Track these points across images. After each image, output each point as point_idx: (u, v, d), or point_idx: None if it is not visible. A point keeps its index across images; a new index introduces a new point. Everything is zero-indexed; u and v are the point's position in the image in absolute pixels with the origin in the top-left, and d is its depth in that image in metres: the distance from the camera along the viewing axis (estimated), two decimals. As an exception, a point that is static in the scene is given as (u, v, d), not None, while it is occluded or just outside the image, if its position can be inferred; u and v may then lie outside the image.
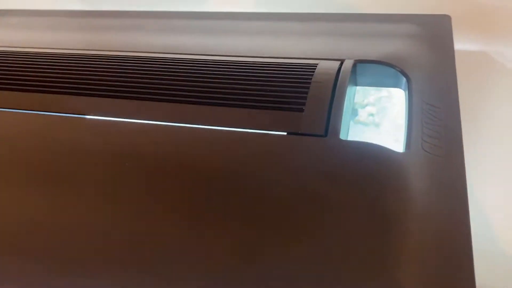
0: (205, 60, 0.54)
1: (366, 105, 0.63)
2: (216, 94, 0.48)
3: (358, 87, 0.57)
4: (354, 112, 0.61)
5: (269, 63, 0.52)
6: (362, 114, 0.62)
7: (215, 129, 0.45)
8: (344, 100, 0.45)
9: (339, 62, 0.52)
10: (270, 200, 0.40)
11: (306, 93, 0.47)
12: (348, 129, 0.51)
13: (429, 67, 0.54)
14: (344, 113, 0.45)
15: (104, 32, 0.73)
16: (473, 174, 0.71)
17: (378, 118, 0.62)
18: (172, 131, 0.46)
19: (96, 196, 0.41)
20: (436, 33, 0.61)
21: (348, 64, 0.51)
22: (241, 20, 0.68)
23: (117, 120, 0.48)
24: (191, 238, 0.37)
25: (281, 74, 0.50)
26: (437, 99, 0.50)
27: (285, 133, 0.45)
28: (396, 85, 0.54)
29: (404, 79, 0.52)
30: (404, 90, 0.53)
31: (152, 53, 0.59)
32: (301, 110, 0.45)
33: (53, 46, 0.65)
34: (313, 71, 0.49)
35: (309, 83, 0.48)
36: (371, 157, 0.41)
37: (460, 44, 0.73)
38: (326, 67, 0.50)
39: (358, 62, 0.53)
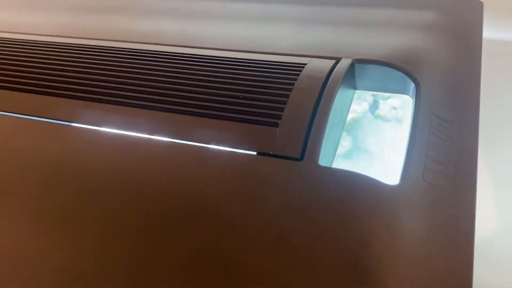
0: (172, 54, 0.46)
1: (389, 96, 0.54)
2: (176, 99, 0.40)
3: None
4: (375, 104, 0.52)
5: (251, 61, 0.44)
6: (383, 107, 0.53)
7: (167, 142, 0.38)
8: (328, 115, 0.37)
9: (333, 62, 0.43)
10: (225, 238, 0.32)
11: (285, 102, 0.38)
12: (338, 144, 0.42)
13: (446, 69, 0.44)
14: (328, 131, 0.37)
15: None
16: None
17: (401, 112, 0.52)
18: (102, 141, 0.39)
19: None
20: (462, 24, 0.50)
21: (343, 64, 0.42)
22: (227, 1, 0.59)
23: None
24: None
25: (262, 76, 0.41)
26: (452, 111, 0.41)
27: (255, 153, 0.37)
28: (402, 91, 0.45)
29: (412, 85, 0.42)
30: (412, 97, 0.43)
31: (114, 41, 0.51)
32: (276, 125, 0.37)
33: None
34: (299, 73, 0.41)
35: (291, 89, 0.39)
36: (352, 191, 0.33)
37: (491, 32, 0.61)
38: (316, 68, 0.42)
39: (356, 62, 0.43)
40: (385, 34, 0.48)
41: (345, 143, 0.48)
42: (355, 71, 0.44)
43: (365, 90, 0.46)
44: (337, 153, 0.43)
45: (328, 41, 0.48)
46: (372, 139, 0.51)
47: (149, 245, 0.33)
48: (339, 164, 0.44)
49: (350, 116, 0.49)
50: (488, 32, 0.64)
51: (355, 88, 0.46)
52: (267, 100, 0.39)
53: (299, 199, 0.33)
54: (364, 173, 0.34)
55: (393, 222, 0.32)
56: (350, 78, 0.44)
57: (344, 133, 0.49)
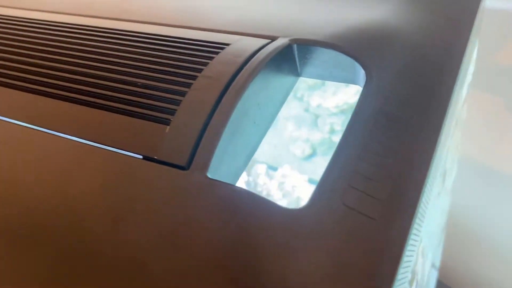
0: (68, 26, 0.40)
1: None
2: (55, 80, 0.34)
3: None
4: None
5: (162, 38, 0.36)
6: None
7: (35, 130, 0.32)
8: (230, 113, 0.29)
9: (266, 42, 0.34)
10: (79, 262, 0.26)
11: (184, 94, 0.31)
12: (256, 146, 0.34)
13: (413, 56, 0.34)
14: (231, 133, 0.29)
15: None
16: None
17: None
18: None
19: None
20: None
21: (274, 46, 0.33)
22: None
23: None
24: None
25: (171, 58, 0.34)
26: (408, 108, 0.31)
27: (141, 157, 0.30)
28: (353, 80, 0.35)
29: (362, 72, 0.33)
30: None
31: None
32: (167, 122, 0.30)
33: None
34: (214, 56, 0.33)
35: (196, 77, 0.31)
36: (236, 212, 0.26)
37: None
38: (238, 49, 0.33)
39: (295, 43, 0.35)
40: (336, 9, 0.38)
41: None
42: (295, 54, 0.35)
43: (311, 77, 0.37)
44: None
45: (267, 16, 0.39)
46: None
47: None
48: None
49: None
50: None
51: (298, 75, 0.37)
52: (166, 90, 0.31)
53: (174, 216, 0.26)
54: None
55: (282, 253, 0.24)
56: (287, 62, 0.35)
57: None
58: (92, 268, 0.26)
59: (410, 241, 0.27)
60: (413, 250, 0.30)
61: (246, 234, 0.25)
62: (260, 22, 0.38)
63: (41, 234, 0.28)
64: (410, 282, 0.40)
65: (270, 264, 0.24)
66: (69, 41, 0.37)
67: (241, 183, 0.65)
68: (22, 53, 0.37)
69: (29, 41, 0.38)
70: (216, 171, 0.29)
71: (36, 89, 0.34)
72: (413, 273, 0.41)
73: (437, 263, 0.85)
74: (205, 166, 0.28)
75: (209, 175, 0.28)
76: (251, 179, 0.66)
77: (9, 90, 0.34)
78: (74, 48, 0.36)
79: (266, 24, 0.37)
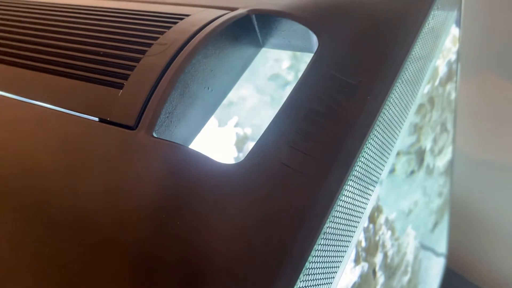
0: (31, 3, 0.42)
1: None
2: (28, 52, 0.36)
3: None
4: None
5: (124, 12, 0.38)
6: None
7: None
8: (177, 76, 0.30)
9: (223, 13, 0.35)
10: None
11: (138, 60, 0.32)
12: (209, 114, 0.35)
13: (368, 22, 0.34)
14: (178, 95, 0.31)
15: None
16: None
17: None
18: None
19: None
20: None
21: (229, 16, 0.34)
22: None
23: None
24: None
25: (130, 28, 0.35)
26: (358, 73, 0.32)
27: (97, 119, 0.32)
28: (309, 48, 0.36)
29: (315, 39, 0.34)
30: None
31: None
32: (121, 87, 0.31)
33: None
34: (171, 26, 0.34)
35: (151, 45, 0.33)
36: (172, 168, 0.27)
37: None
38: (195, 20, 0.35)
39: (253, 14, 0.36)
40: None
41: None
42: (255, 24, 0.36)
43: (273, 48, 0.38)
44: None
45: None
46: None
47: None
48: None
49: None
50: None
51: (260, 46, 0.38)
52: (122, 57, 0.33)
53: (118, 171, 0.28)
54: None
55: (209, 205, 0.25)
56: (247, 33, 0.36)
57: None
58: (46, 224, 0.28)
59: (345, 202, 0.28)
60: (356, 216, 0.31)
61: (177, 187, 0.26)
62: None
63: (4, 194, 0.30)
64: (369, 250, 0.40)
65: (197, 216, 0.25)
66: (32, 16, 0.40)
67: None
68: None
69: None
70: (165, 132, 0.31)
71: (4, 59, 0.36)
72: (373, 242, 0.41)
73: (439, 249, 0.84)
74: (151, 125, 0.29)
75: (155, 134, 0.29)
76: (241, 155, 0.67)
77: None
78: (38, 22, 0.38)
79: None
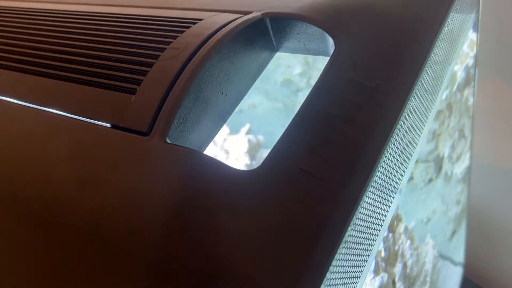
0: (33, 10, 0.41)
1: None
2: (33, 58, 0.36)
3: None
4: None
5: (141, 18, 0.37)
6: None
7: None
8: (191, 81, 0.29)
9: (236, 17, 0.35)
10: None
11: (151, 65, 0.32)
12: (223, 120, 0.35)
13: (384, 24, 0.33)
14: (192, 101, 0.30)
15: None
16: None
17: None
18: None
19: None
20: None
21: (242, 20, 0.34)
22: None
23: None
24: None
25: (143, 34, 0.35)
26: (377, 76, 0.30)
27: (109, 125, 0.31)
28: (325, 52, 0.35)
29: (331, 42, 0.33)
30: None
31: None
32: (133, 92, 0.31)
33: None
34: (184, 30, 0.34)
35: (163, 49, 0.32)
36: (186, 173, 0.26)
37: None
38: (209, 23, 0.34)
39: (268, 17, 0.35)
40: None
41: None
42: (269, 28, 0.36)
43: (288, 52, 0.37)
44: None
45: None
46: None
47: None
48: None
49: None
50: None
51: (275, 50, 0.37)
52: (134, 62, 0.32)
53: (131, 178, 0.27)
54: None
55: (225, 213, 0.24)
56: (261, 37, 0.36)
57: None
58: (58, 231, 0.27)
59: (366, 209, 0.27)
60: (377, 224, 0.30)
61: (193, 194, 0.25)
62: (238, -1, 0.38)
63: (18, 198, 0.30)
64: (388, 261, 0.39)
65: (214, 223, 0.24)
66: (44, 24, 0.39)
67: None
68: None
69: (8, 25, 0.41)
70: (179, 138, 0.30)
71: (18, 67, 0.36)
72: (393, 252, 0.40)
73: (456, 258, 0.82)
74: (165, 131, 0.28)
75: (169, 140, 0.28)
76: (254, 163, 0.66)
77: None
78: (50, 29, 0.38)
79: (243, 0, 0.38)
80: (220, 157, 0.65)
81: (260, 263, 0.22)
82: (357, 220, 0.25)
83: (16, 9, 0.44)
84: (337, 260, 0.23)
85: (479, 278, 0.94)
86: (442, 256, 0.66)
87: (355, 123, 0.28)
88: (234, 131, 0.65)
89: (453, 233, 0.73)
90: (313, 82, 0.69)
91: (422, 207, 0.50)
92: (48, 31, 0.39)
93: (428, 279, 0.56)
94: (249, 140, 0.63)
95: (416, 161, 0.47)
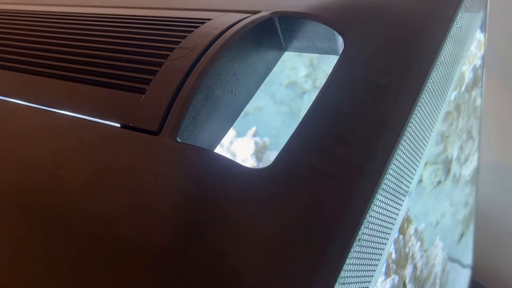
0: (43, 13, 0.42)
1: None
2: (42, 60, 0.35)
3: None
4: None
5: (151, 19, 0.37)
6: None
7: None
8: (200, 80, 0.29)
9: (244, 16, 0.35)
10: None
11: (161, 65, 0.31)
12: (233, 118, 0.34)
13: (392, 22, 0.33)
14: (202, 100, 0.30)
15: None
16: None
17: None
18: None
19: None
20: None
21: (251, 19, 0.34)
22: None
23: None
24: None
25: (151, 34, 0.35)
26: (387, 74, 0.30)
27: (118, 125, 0.31)
28: (334, 50, 0.35)
29: (340, 40, 0.33)
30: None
31: None
32: (143, 92, 0.31)
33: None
34: (193, 30, 0.34)
35: (173, 49, 0.32)
36: (196, 172, 0.26)
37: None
38: (218, 23, 0.34)
39: (276, 16, 0.35)
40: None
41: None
42: (277, 27, 0.35)
43: (297, 51, 0.37)
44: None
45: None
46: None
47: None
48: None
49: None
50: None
51: (283, 49, 0.37)
52: (144, 62, 0.32)
53: (143, 177, 0.27)
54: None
55: (236, 210, 0.24)
56: (269, 36, 0.35)
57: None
58: (68, 233, 0.27)
59: (379, 207, 0.26)
60: (389, 223, 0.29)
61: (205, 192, 0.25)
62: (246, -1, 0.38)
63: (29, 201, 0.30)
64: (399, 262, 0.39)
65: (226, 221, 0.24)
66: (52, 25, 0.39)
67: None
68: (8, 37, 0.40)
69: (21, 28, 0.41)
70: (189, 137, 0.30)
71: (27, 69, 0.36)
72: (404, 254, 0.39)
73: (465, 260, 0.81)
74: (175, 130, 0.28)
75: (179, 139, 0.28)
76: (261, 165, 0.66)
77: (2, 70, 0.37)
78: (58, 31, 0.38)
79: (252, 0, 0.38)
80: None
81: (274, 261, 0.22)
82: (370, 217, 0.25)
83: (28, 12, 0.45)
84: (351, 258, 0.23)
85: (485, 280, 0.93)
86: (451, 259, 0.66)
87: (367, 120, 0.28)
88: (240, 133, 0.65)
89: (462, 235, 0.72)
90: (318, 83, 0.69)
91: (432, 209, 0.50)
92: (59, 33, 0.39)
93: (437, 281, 0.55)
94: (255, 142, 0.63)
95: (425, 164, 0.47)
